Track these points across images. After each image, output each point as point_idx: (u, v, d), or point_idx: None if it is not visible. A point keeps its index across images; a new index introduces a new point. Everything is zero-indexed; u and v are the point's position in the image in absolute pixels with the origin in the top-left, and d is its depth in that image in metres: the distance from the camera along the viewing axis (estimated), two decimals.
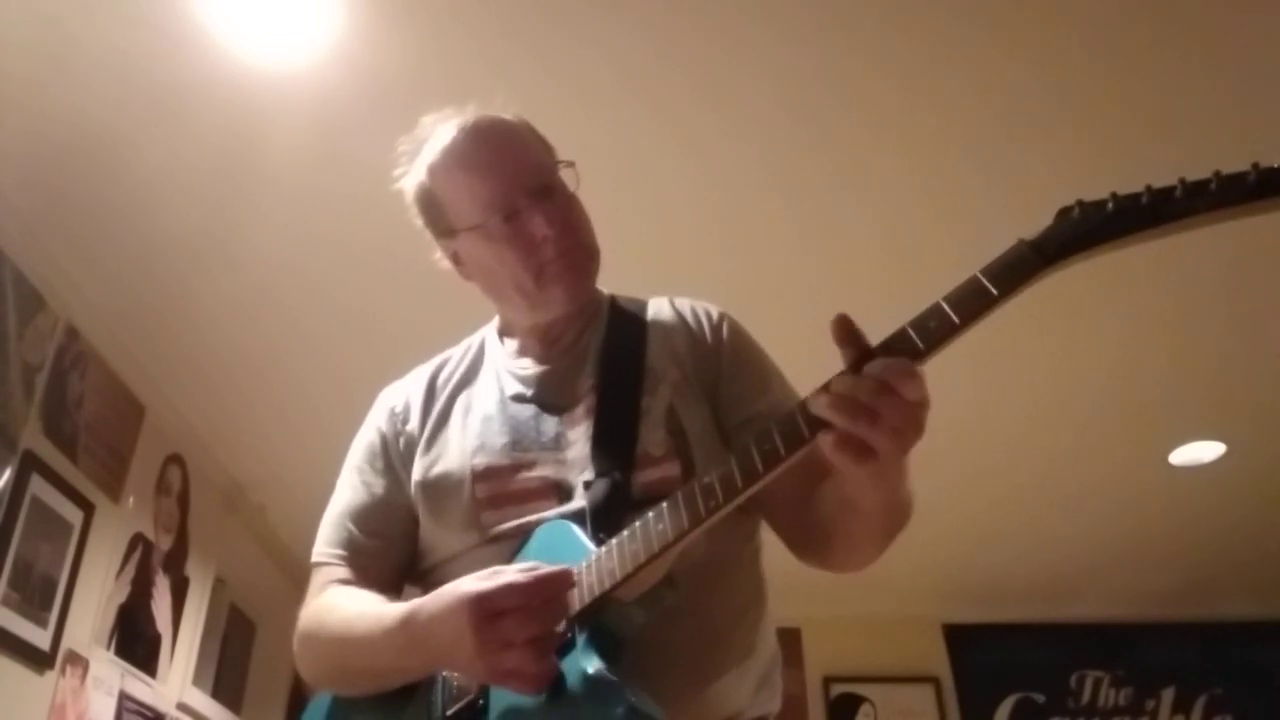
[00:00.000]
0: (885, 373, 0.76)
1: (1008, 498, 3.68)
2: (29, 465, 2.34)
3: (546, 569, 0.90)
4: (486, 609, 0.87)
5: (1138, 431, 3.32)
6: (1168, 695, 4.37)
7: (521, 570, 0.91)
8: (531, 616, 0.87)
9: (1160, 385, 3.07)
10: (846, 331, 0.80)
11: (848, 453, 0.77)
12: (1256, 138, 2.12)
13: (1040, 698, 4.39)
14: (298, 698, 3.82)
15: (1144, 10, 1.95)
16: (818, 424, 0.79)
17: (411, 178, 1.21)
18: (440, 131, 1.18)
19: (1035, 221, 0.79)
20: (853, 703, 4.35)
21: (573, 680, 0.88)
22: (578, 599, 0.91)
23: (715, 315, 1.21)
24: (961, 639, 4.48)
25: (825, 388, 0.79)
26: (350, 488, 1.19)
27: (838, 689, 4.36)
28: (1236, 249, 2.47)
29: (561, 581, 0.90)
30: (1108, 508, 3.75)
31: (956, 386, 2.53)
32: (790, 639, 4.21)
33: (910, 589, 4.09)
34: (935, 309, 0.77)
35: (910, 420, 0.76)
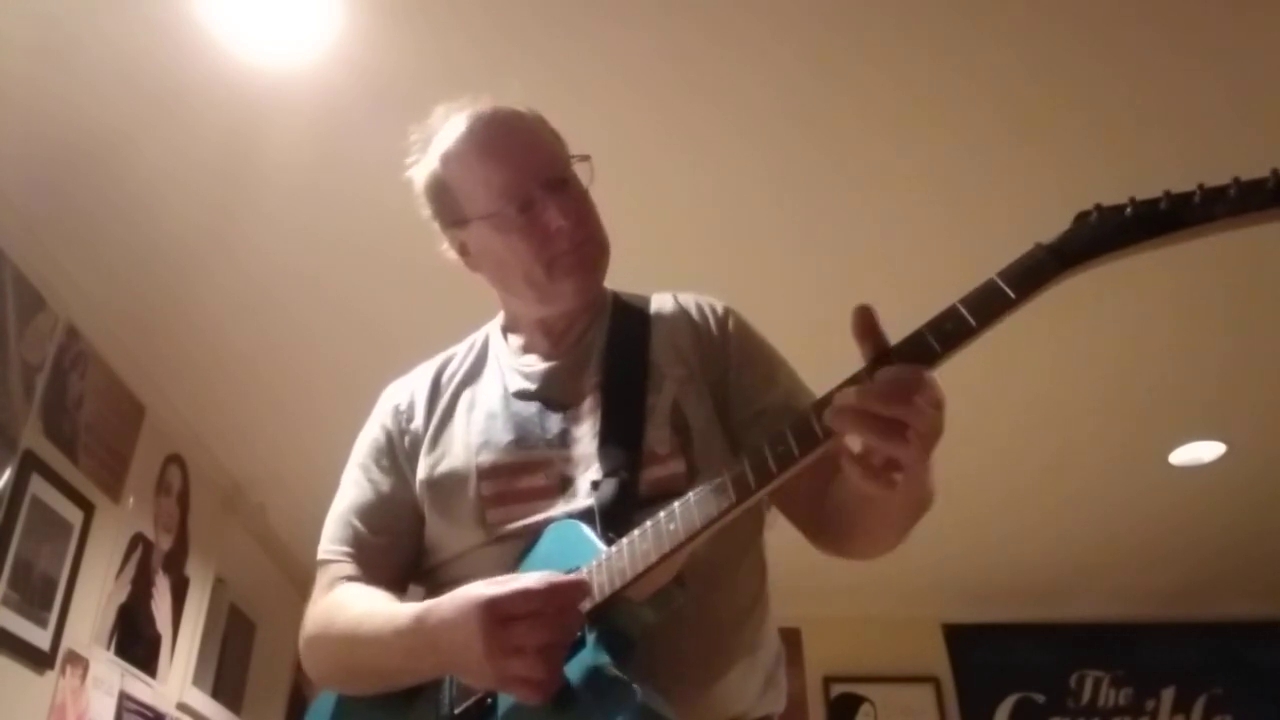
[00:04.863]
0: (904, 382, 0.74)
1: (1008, 497, 3.68)
2: (29, 465, 2.33)
3: (563, 577, 0.89)
4: (498, 613, 0.86)
5: (1138, 431, 3.32)
6: (1168, 695, 4.37)
7: (537, 577, 0.90)
8: (543, 623, 0.86)
9: (1160, 385, 3.07)
10: (867, 325, 0.79)
11: (879, 480, 0.76)
12: (1262, 139, 2.12)
13: (1040, 698, 4.38)
14: (298, 698, 3.82)
15: (1149, 12, 1.95)
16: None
17: (423, 166, 1.19)
18: (454, 121, 1.17)
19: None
20: (853, 703, 4.35)
21: (583, 680, 0.88)
22: (587, 599, 0.90)
23: (720, 309, 1.21)
24: (961, 639, 4.48)
25: (836, 392, 0.78)
26: (355, 485, 1.18)
27: (838, 689, 4.36)
28: (1236, 249, 2.45)
29: (577, 591, 0.89)
30: (1108, 508, 3.75)
31: (956, 386, 2.53)
32: (790, 639, 4.19)
33: (910, 589, 4.09)
34: (951, 312, 0.77)
35: (932, 426, 0.76)
